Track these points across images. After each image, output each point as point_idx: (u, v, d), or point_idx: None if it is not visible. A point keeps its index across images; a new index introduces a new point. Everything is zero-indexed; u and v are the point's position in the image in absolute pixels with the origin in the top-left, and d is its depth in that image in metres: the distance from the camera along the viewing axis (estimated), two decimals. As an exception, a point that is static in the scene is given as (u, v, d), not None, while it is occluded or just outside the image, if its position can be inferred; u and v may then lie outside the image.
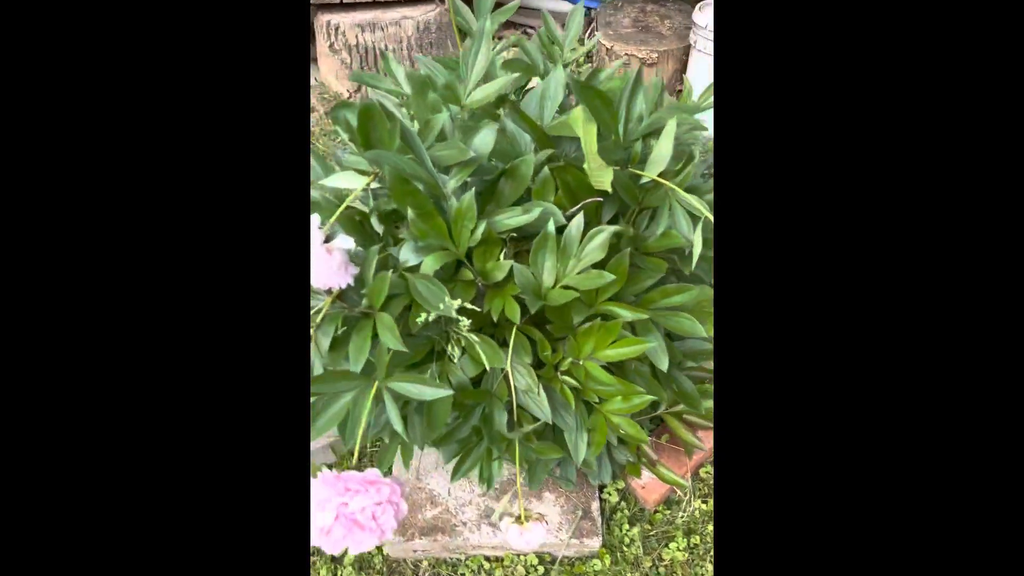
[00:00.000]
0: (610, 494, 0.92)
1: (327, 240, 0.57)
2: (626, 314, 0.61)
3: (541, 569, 0.85)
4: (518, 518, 0.67)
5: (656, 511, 0.92)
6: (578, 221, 0.59)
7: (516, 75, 0.66)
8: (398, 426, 0.52)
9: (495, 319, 0.61)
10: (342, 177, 0.62)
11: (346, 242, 0.57)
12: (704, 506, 0.92)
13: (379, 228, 0.62)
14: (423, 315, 0.58)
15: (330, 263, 0.56)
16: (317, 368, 0.58)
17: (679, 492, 0.92)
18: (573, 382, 0.65)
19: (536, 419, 0.66)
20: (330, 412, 0.54)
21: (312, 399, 0.54)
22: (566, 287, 0.60)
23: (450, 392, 0.52)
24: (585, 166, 0.63)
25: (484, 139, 0.62)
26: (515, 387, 0.64)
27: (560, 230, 0.60)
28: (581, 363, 0.64)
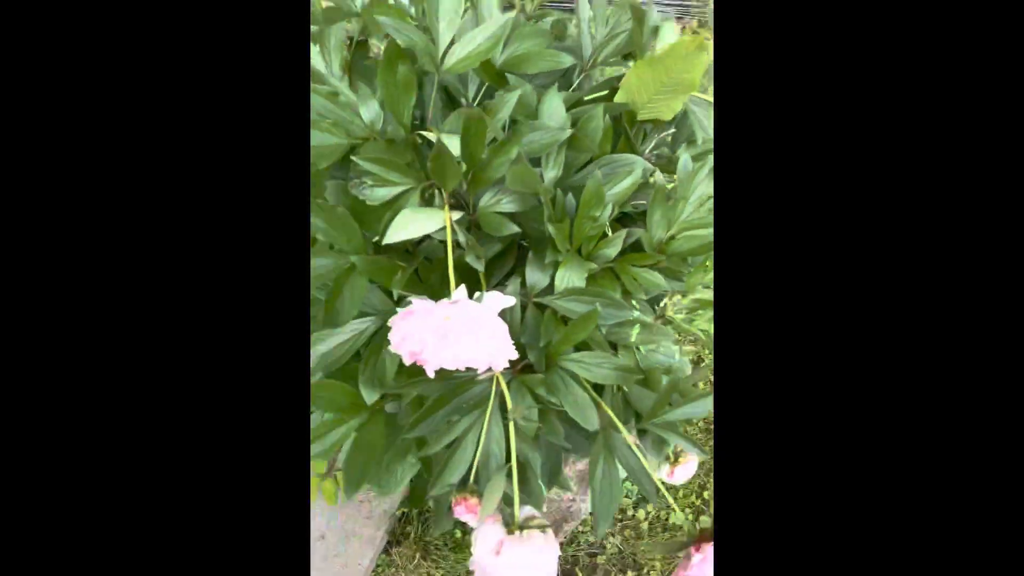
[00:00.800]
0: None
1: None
2: (717, 231, 0.61)
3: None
4: (668, 459, 0.68)
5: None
6: (687, 159, 0.53)
7: (510, 16, 0.52)
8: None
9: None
10: (415, 221, 0.45)
11: (503, 300, 0.43)
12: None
13: (479, 266, 0.47)
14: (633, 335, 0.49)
15: (502, 332, 0.42)
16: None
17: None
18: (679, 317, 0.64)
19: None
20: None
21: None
22: (686, 232, 0.56)
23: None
24: (625, 98, 0.56)
25: (553, 107, 0.50)
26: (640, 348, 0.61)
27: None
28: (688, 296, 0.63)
